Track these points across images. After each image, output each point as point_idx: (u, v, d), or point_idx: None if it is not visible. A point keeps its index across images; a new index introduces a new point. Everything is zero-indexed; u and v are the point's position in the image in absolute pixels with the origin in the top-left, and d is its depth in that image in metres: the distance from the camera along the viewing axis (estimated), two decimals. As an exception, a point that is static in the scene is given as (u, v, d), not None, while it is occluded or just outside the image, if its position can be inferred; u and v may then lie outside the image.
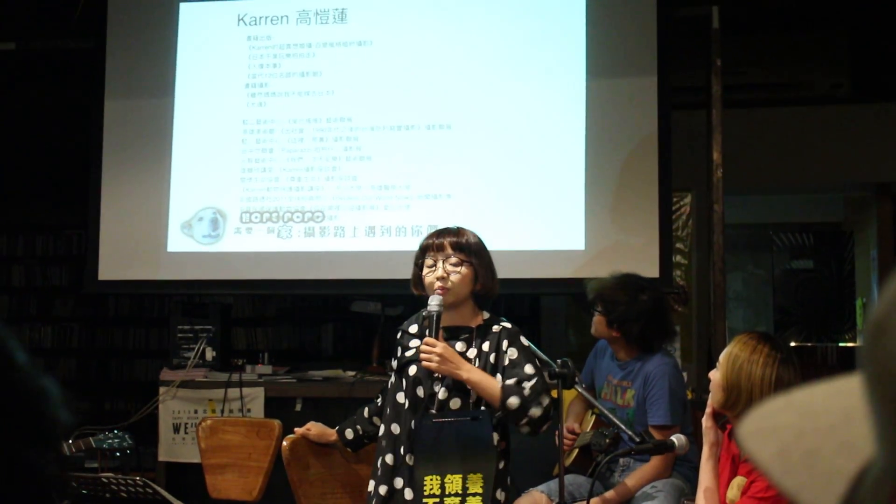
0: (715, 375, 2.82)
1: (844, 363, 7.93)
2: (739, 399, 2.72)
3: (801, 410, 0.57)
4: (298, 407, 5.09)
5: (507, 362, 3.08)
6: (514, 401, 2.96)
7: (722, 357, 2.81)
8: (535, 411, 2.99)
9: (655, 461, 3.58)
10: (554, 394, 3.13)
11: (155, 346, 7.38)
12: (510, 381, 3.02)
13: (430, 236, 3.20)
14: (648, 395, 3.65)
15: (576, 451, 3.88)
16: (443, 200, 5.13)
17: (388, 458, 3.12)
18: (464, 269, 3.09)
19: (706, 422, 2.88)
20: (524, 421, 2.99)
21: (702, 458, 2.90)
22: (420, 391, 3.09)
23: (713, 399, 2.83)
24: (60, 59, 6.29)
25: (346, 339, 7.12)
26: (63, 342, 7.61)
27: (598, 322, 3.82)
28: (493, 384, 2.99)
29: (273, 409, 5.02)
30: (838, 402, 0.56)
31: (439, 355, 2.95)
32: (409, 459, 3.05)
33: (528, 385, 3.00)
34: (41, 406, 0.63)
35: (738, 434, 0.59)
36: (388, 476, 3.10)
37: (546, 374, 3.13)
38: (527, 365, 3.07)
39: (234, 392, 5.10)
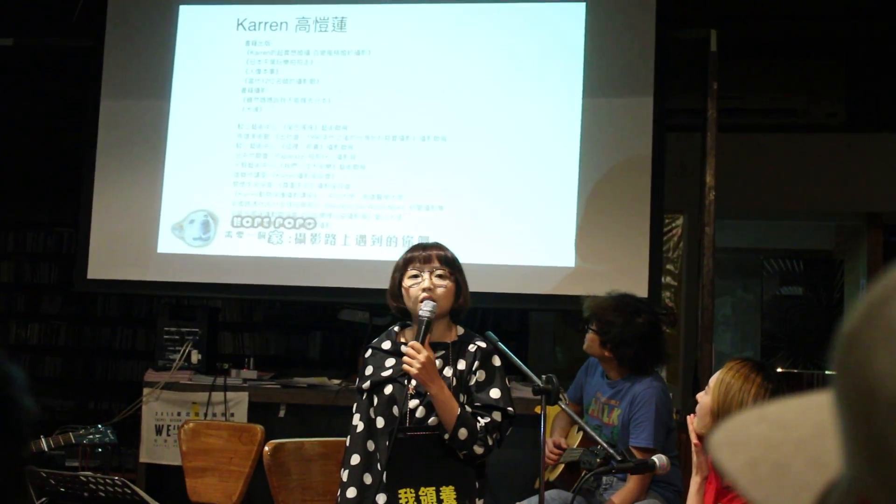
0: (704, 399, 2.79)
1: (830, 391, 7.92)
2: None
3: (773, 423, 0.57)
4: (282, 413, 5.08)
5: (473, 383, 3.08)
6: (463, 432, 2.99)
7: (712, 382, 2.77)
8: (478, 449, 3.02)
9: (633, 482, 3.58)
10: (537, 409, 3.13)
11: (141, 347, 7.36)
12: (470, 409, 3.04)
13: (415, 249, 3.21)
14: (633, 417, 3.64)
15: (561, 466, 3.87)
16: (435, 212, 5.14)
17: (367, 478, 3.10)
18: (448, 283, 3.10)
19: (699, 456, 2.83)
20: (464, 452, 3.03)
21: (691, 488, 2.86)
22: (395, 410, 3.08)
23: (700, 424, 2.79)
24: (58, 56, 6.29)
25: (332, 348, 7.11)
26: (49, 340, 7.58)
27: (591, 340, 3.81)
28: (452, 409, 2.99)
29: (257, 414, 5.00)
30: (811, 416, 0.56)
31: (421, 363, 2.95)
32: (385, 477, 3.04)
33: (483, 421, 3.03)
34: (5, 389, 0.62)
35: (708, 444, 0.58)
36: (368, 494, 3.06)
37: (531, 389, 3.13)
38: (493, 389, 3.08)
39: (218, 396, 5.09)
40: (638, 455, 3.49)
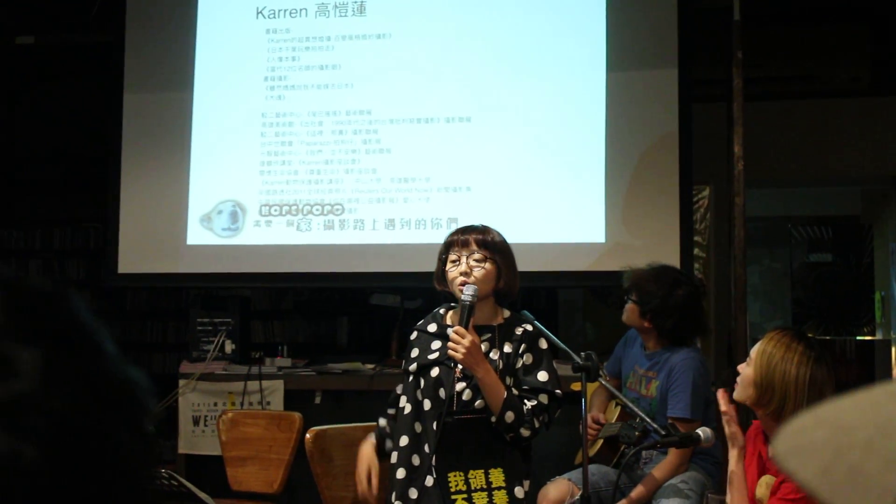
0: (746, 371, 2.78)
1: (862, 357, 7.91)
2: (773, 397, 2.69)
3: (832, 426, 0.56)
4: (318, 400, 5.10)
5: (519, 366, 3.09)
6: (510, 415, 3.00)
7: (754, 353, 2.77)
8: (524, 432, 3.03)
9: (674, 454, 3.57)
10: (577, 386, 3.13)
11: (173, 339, 7.40)
12: (516, 392, 3.06)
13: (456, 233, 3.23)
14: (671, 387, 3.63)
15: (600, 441, 3.87)
16: (462, 193, 5.13)
17: (415, 459, 3.12)
18: (487, 266, 3.11)
19: (732, 426, 2.83)
20: (510, 434, 3.04)
21: (730, 460, 2.86)
22: (442, 393, 3.09)
23: (743, 395, 2.78)
24: (79, 52, 6.31)
25: (361, 332, 7.12)
26: (80, 335, 7.62)
27: (630, 311, 3.80)
28: (499, 392, 3.01)
29: (292, 401, 5.03)
30: (869, 415, 0.55)
31: (466, 348, 2.96)
32: (434, 460, 3.05)
33: (529, 404, 3.04)
34: (135, 394, 0.64)
35: (774, 453, 0.58)
36: (417, 475, 3.09)
37: (570, 366, 3.13)
38: (540, 372, 3.09)
39: (253, 385, 5.11)
40: (678, 425, 3.49)
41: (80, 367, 0.63)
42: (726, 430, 2.83)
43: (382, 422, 3.32)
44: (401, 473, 3.12)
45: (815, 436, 0.56)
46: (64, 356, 0.62)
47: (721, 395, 2.86)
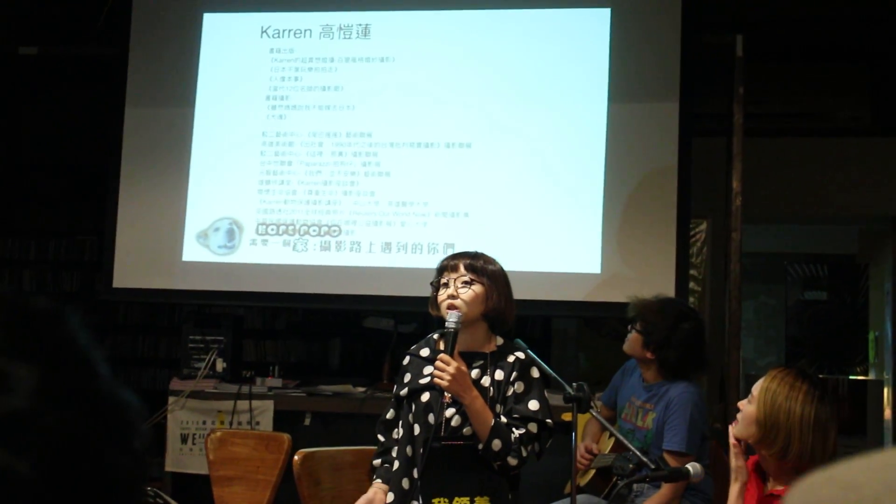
0: (748, 409, 2.76)
1: (854, 396, 7.90)
2: (778, 437, 2.66)
3: (842, 484, 0.57)
4: (307, 421, 5.08)
5: (510, 394, 3.08)
6: (497, 443, 2.99)
7: (756, 391, 2.74)
8: (512, 460, 3.01)
9: (666, 488, 3.55)
10: (568, 416, 3.12)
11: (164, 355, 7.36)
12: (506, 419, 3.03)
13: (447, 258, 3.24)
14: (668, 420, 3.62)
15: (592, 471, 3.85)
16: (460, 219, 5.13)
17: (405, 483, 3.11)
18: (475, 288, 3.10)
19: (738, 460, 2.81)
20: (497, 463, 3.02)
21: (731, 494, 2.84)
22: (431, 418, 3.09)
23: (745, 433, 2.76)
24: (82, 65, 6.31)
25: (353, 355, 7.10)
26: (72, 348, 7.57)
27: (633, 340, 3.79)
28: (487, 420, 2.99)
29: (282, 422, 5.00)
30: (879, 474, 0.56)
31: (451, 375, 2.95)
32: (419, 485, 3.05)
33: (517, 433, 3.02)
34: (126, 414, 0.65)
35: None
36: (406, 500, 3.08)
37: (561, 396, 3.12)
38: (531, 401, 3.07)
39: (243, 404, 5.09)
40: (671, 459, 3.47)
41: (74, 386, 0.63)
42: (732, 462, 2.82)
43: (377, 461, 3.28)
44: (390, 497, 3.11)
45: (823, 493, 0.56)
46: (59, 374, 0.62)
47: (732, 428, 2.85)
